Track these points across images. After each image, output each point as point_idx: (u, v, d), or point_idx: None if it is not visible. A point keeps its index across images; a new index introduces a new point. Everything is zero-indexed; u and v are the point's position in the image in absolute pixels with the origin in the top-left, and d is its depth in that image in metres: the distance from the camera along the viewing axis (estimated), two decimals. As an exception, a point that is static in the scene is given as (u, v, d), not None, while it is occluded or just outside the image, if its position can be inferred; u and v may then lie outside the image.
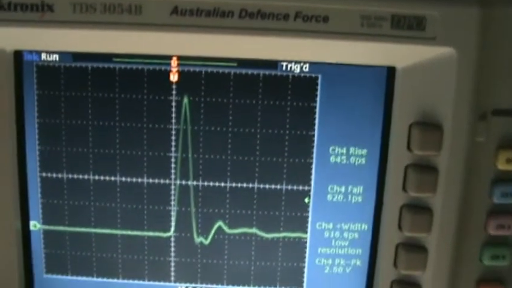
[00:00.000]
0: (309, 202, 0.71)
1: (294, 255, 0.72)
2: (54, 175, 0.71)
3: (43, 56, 0.67)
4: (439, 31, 0.62)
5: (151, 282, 0.74)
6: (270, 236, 0.72)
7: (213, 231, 0.72)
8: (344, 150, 0.69)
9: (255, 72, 0.67)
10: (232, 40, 0.63)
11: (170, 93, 0.68)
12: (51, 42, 0.65)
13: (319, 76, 0.67)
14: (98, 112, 0.69)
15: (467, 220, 0.68)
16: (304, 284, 0.73)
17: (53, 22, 0.62)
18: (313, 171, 0.70)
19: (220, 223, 0.71)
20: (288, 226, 0.71)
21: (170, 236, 0.72)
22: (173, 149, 0.69)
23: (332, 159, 0.69)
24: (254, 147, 0.69)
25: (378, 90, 0.67)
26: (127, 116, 0.68)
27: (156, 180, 0.70)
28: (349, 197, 0.70)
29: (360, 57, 0.65)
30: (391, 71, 0.66)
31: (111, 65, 0.67)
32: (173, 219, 0.71)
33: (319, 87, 0.67)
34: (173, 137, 0.69)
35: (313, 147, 0.69)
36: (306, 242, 0.72)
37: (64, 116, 0.69)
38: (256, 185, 0.70)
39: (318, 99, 0.68)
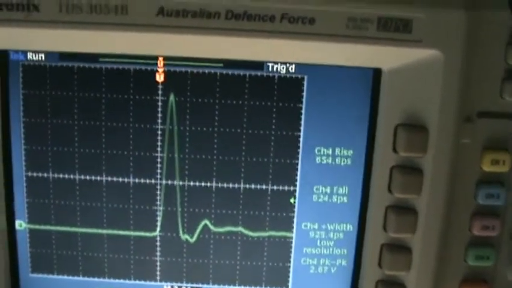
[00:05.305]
0: (294, 202, 0.71)
1: (280, 254, 0.73)
2: (40, 174, 0.70)
3: (29, 55, 0.67)
4: (425, 34, 0.62)
5: (137, 282, 0.74)
6: (255, 235, 0.72)
7: (198, 230, 0.72)
8: (330, 151, 0.69)
9: (241, 73, 0.67)
10: (219, 41, 0.63)
11: (156, 93, 0.68)
12: (37, 42, 0.65)
13: (305, 77, 0.67)
14: (83, 112, 0.68)
15: (452, 221, 0.68)
16: (290, 284, 0.74)
17: (38, 22, 0.62)
18: (298, 171, 0.70)
19: (206, 222, 0.71)
20: (274, 226, 0.72)
21: (156, 236, 0.72)
22: (159, 149, 0.69)
23: (318, 159, 0.69)
24: (240, 147, 0.69)
25: (364, 91, 0.67)
26: (113, 116, 0.68)
27: (142, 180, 0.70)
28: (335, 197, 0.70)
29: (346, 59, 0.65)
30: (377, 73, 0.66)
31: (97, 65, 0.67)
32: (159, 218, 0.71)
33: (305, 88, 0.68)
34: (159, 137, 0.69)
35: (299, 147, 0.69)
36: (291, 242, 0.72)
37: (50, 116, 0.69)
38: (242, 185, 0.70)
39: (304, 100, 0.68)
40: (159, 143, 0.69)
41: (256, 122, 0.68)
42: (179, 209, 0.71)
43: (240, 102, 0.68)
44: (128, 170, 0.70)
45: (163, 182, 0.70)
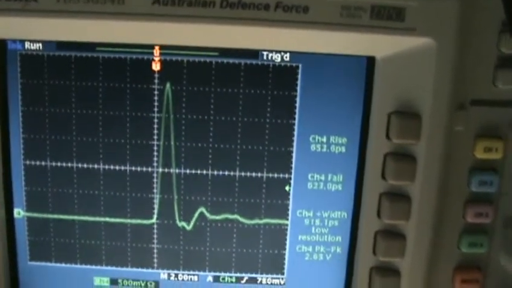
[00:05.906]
0: (289, 190, 0.71)
1: (275, 242, 0.73)
2: (38, 163, 0.71)
3: (26, 44, 0.68)
4: (418, 22, 0.62)
5: (134, 269, 0.74)
6: (251, 222, 0.72)
7: (195, 218, 0.72)
8: (324, 139, 0.70)
9: (237, 61, 0.68)
10: (214, 30, 0.63)
11: (153, 82, 0.68)
12: (34, 31, 0.65)
13: (300, 65, 0.68)
14: (81, 100, 0.69)
15: (445, 208, 0.69)
16: (285, 271, 0.74)
17: (36, 11, 0.62)
18: (293, 159, 0.70)
19: (202, 209, 0.72)
20: (269, 213, 0.72)
21: (153, 223, 0.73)
22: (155, 137, 0.70)
23: (312, 147, 0.70)
24: (235, 135, 0.70)
25: (357, 79, 0.68)
26: (110, 105, 0.69)
27: (139, 168, 0.71)
28: (329, 185, 0.71)
29: (339, 47, 0.66)
30: (370, 61, 0.67)
31: (94, 54, 0.68)
32: (156, 206, 0.72)
33: (299, 77, 0.68)
34: (155, 125, 0.70)
35: (293, 135, 0.70)
36: (286, 229, 0.73)
37: (48, 105, 0.69)
38: (237, 173, 0.71)
39: (298, 88, 0.68)
40: (155, 131, 0.70)
41: (251, 110, 0.69)
42: (176, 197, 0.72)
43: (236, 90, 0.69)
44: (124, 158, 0.71)
45: (160, 170, 0.71)
